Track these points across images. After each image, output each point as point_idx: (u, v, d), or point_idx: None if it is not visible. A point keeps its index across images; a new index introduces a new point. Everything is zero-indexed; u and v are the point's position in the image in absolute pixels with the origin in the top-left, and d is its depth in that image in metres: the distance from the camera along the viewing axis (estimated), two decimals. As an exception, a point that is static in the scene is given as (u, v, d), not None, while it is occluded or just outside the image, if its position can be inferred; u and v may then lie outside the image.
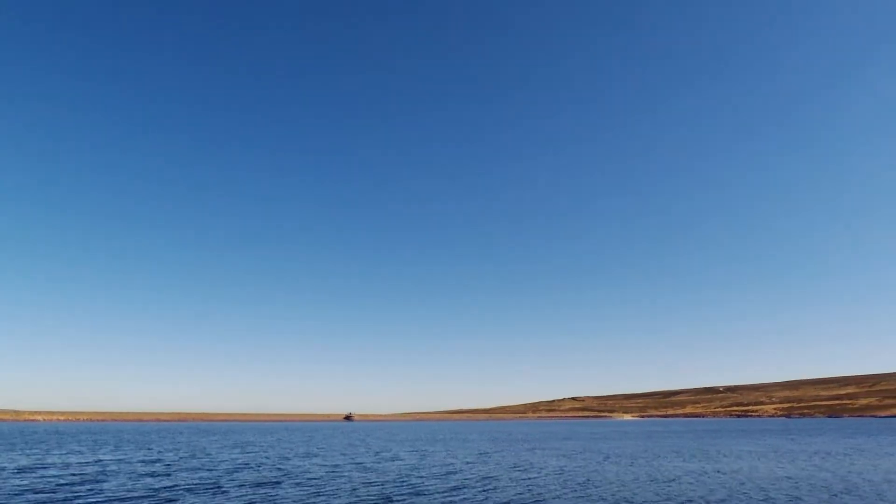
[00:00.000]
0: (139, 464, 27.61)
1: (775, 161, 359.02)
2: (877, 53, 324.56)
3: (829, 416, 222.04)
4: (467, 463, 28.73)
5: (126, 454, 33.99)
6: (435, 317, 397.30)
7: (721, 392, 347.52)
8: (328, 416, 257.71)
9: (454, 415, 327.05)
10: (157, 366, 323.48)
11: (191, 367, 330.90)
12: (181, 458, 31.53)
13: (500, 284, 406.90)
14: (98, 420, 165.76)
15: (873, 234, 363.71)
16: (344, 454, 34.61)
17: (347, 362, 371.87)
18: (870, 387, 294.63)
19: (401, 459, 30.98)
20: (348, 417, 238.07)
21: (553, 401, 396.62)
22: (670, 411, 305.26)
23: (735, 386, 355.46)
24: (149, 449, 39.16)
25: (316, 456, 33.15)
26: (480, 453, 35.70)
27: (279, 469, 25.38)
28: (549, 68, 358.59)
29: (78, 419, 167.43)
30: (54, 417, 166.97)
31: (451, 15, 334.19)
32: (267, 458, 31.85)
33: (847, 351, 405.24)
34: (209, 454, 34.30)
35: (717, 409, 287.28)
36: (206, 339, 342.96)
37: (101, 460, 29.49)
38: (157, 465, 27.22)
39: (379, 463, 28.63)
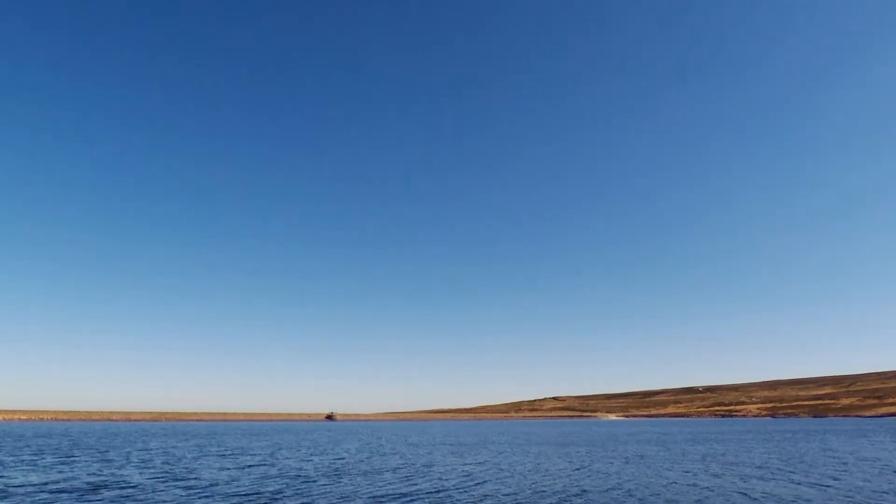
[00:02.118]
0: (74, 498, 16.63)
1: (759, 161, 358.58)
2: (867, 51, 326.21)
3: (814, 416, 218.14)
4: (614, 488, 18.45)
5: (70, 471, 22.86)
6: (413, 316, 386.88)
7: (700, 392, 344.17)
8: (309, 415, 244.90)
9: (438, 414, 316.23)
10: (129, 363, 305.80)
11: (163, 365, 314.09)
12: (150, 479, 20.58)
13: (479, 284, 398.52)
14: (63, 420, 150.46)
15: (850, 238, 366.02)
16: (386, 470, 24.01)
17: (326, 361, 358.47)
18: (846, 387, 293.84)
19: (479, 480, 20.57)
20: (330, 417, 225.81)
21: (534, 400, 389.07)
22: (653, 411, 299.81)
23: (714, 386, 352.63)
24: (107, 461, 27.91)
25: (347, 474, 22.49)
26: (580, 467, 25.39)
27: (314, 506, 14.77)
28: (542, 67, 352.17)
29: (41, 419, 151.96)
30: (15, 417, 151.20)
31: (441, 14, 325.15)
32: (279, 476, 21.15)
33: (822, 353, 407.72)
34: (192, 471, 23.37)
35: (699, 409, 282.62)
36: (180, 336, 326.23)
37: (21, 485, 18.40)
38: (106, 494, 16.31)
39: (460, 490, 18.17)
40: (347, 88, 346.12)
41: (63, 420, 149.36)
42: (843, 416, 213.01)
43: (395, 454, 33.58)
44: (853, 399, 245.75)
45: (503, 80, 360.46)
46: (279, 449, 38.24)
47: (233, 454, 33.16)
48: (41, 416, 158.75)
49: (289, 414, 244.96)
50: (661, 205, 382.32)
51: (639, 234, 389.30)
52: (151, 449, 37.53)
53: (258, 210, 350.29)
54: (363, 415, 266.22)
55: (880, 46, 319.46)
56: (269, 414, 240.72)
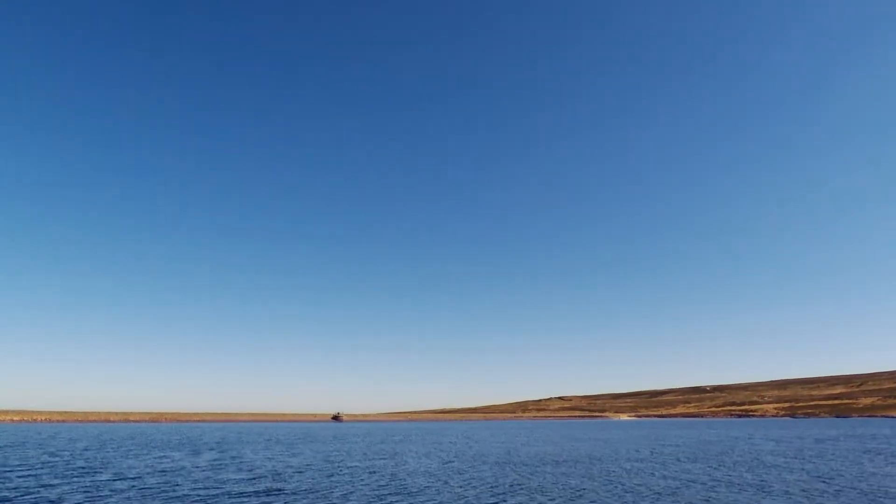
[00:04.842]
0: None
1: (764, 159, 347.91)
2: (867, 51, 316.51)
3: (837, 417, 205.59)
4: None
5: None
6: (417, 315, 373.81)
7: (708, 391, 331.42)
8: (314, 415, 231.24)
9: (447, 414, 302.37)
10: (131, 363, 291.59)
11: (165, 364, 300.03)
12: None
13: (484, 283, 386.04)
14: (57, 421, 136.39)
15: (856, 236, 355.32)
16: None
17: (329, 360, 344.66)
18: (858, 386, 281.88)
19: None
20: (336, 417, 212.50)
21: (540, 400, 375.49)
22: (663, 411, 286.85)
23: (721, 385, 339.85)
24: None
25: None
26: None
27: None
28: (542, 67, 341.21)
29: (35, 420, 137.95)
30: (8, 418, 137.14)
31: (442, 14, 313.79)
32: None
33: (830, 352, 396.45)
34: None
35: (712, 409, 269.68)
36: (181, 335, 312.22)
37: None
38: None
39: None
40: (346, 88, 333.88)
41: (57, 422, 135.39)
42: (869, 416, 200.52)
43: (523, 489, 20.57)
44: (874, 399, 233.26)
45: (503, 80, 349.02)
46: (329, 476, 25.12)
47: (269, 489, 20.04)
48: (35, 417, 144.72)
49: (294, 414, 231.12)
50: (665, 203, 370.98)
51: (644, 233, 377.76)
52: (137, 473, 24.29)
53: (261, 208, 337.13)
54: (370, 415, 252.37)
55: (880, 47, 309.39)
56: (274, 414, 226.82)
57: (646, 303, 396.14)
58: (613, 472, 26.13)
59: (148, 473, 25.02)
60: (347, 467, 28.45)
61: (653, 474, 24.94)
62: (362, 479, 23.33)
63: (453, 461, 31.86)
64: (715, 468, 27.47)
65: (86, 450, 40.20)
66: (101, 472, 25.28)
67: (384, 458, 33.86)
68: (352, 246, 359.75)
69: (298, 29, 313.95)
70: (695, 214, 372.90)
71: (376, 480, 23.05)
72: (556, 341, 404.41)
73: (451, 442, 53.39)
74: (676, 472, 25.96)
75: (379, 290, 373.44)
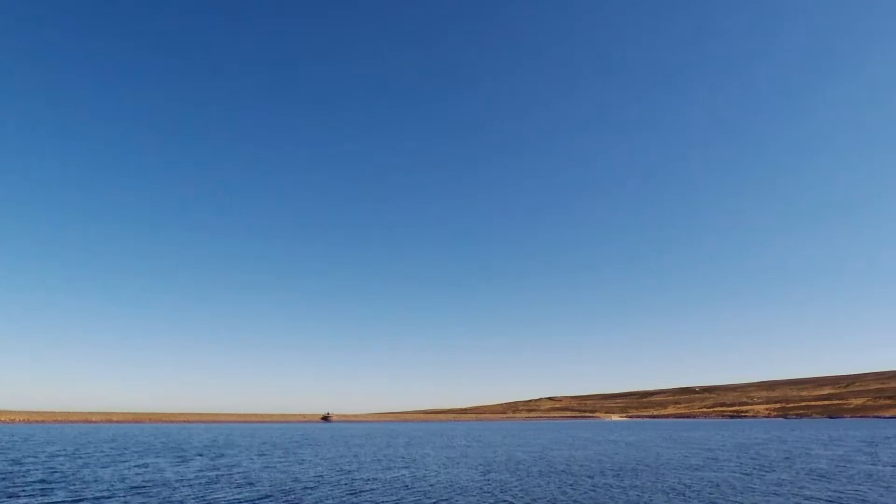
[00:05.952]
0: None
1: (761, 159, 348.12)
2: (862, 51, 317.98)
3: (829, 417, 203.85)
4: None
5: None
6: (406, 315, 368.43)
7: (697, 392, 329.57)
8: (304, 416, 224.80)
9: (438, 415, 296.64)
10: (116, 362, 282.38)
11: (150, 364, 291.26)
12: None
13: (474, 283, 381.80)
14: (36, 421, 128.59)
15: (841, 239, 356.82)
16: None
17: (317, 360, 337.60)
18: (845, 387, 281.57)
19: None
20: (326, 418, 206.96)
21: (530, 400, 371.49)
22: (653, 411, 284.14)
23: (711, 386, 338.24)
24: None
25: None
26: None
27: None
28: (541, 67, 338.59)
29: (13, 420, 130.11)
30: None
31: (438, 13, 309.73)
32: None
33: (820, 353, 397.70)
34: None
35: (703, 410, 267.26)
36: (168, 334, 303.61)
37: None
38: None
39: None
40: (347, 88, 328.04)
41: (36, 422, 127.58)
42: (860, 416, 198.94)
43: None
44: (864, 399, 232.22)
45: (502, 79, 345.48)
46: (351, 493, 19.83)
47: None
48: (13, 418, 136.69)
49: (283, 415, 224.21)
50: (656, 204, 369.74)
51: (634, 234, 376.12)
52: (105, 489, 18.69)
53: (252, 208, 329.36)
54: (360, 415, 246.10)
55: (880, 47, 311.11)
56: (262, 415, 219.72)
57: (635, 303, 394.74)
58: (692, 484, 21.16)
59: (119, 490, 19.51)
60: (367, 480, 23.18)
61: (752, 489, 19.97)
62: (395, 499, 18.09)
63: (489, 471, 26.63)
64: (815, 479, 22.60)
65: (54, 456, 34.35)
66: (56, 489, 19.69)
67: (404, 467, 28.60)
68: (342, 244, 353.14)
69: (298, 29, 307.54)
70: (685, 216, 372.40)
71: (416, 501, 17.82)
72: (545, 341, 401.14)
73: (464, 445, 48.16)
74: (772, 483, 21.05)
75: (369, 291, 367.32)
